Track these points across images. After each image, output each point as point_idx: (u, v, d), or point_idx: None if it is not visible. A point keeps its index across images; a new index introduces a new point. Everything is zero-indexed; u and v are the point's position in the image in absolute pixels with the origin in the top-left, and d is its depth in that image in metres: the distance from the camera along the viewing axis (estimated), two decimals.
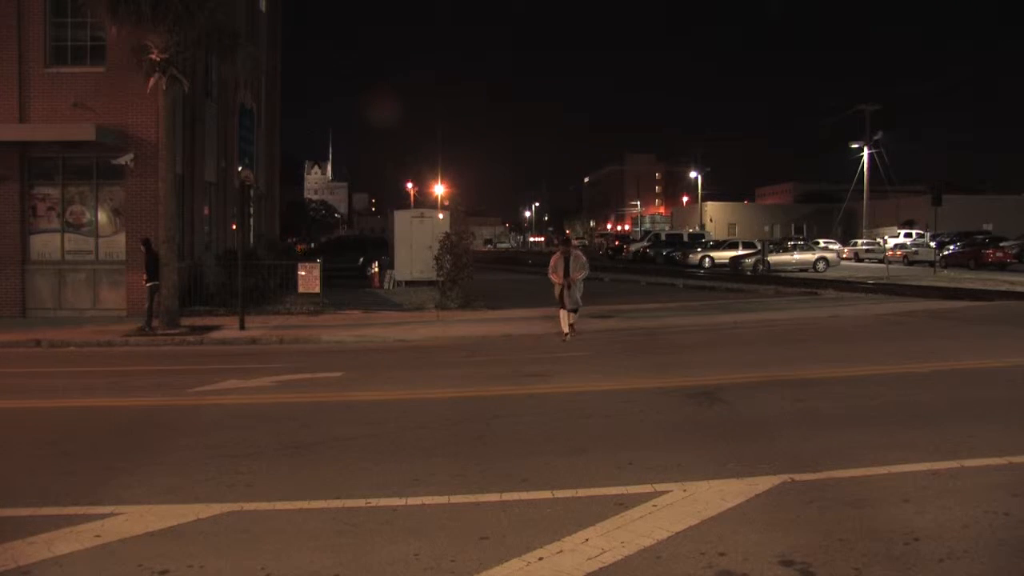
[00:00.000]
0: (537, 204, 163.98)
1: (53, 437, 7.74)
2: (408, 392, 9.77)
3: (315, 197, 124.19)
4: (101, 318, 17.76)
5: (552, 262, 14.50)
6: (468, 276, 20.71)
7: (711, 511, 5.19)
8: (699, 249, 44.65)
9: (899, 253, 43.79)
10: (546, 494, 5.64)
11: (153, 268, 16.04)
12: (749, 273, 36.01)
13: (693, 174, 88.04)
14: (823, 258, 38.67)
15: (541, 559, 4.50)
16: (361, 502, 5.54)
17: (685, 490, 5.64)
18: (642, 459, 6.45)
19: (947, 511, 5.15)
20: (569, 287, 14.30)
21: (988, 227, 53.94)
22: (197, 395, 9.70)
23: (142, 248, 16.19)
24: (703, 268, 40.47)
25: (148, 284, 15.99)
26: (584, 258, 14.78)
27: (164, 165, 16.04)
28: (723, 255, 41.39)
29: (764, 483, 5.75)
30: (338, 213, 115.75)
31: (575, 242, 13.97)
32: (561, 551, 4.60)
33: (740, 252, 40.89)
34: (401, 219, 27.88)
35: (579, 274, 14.44)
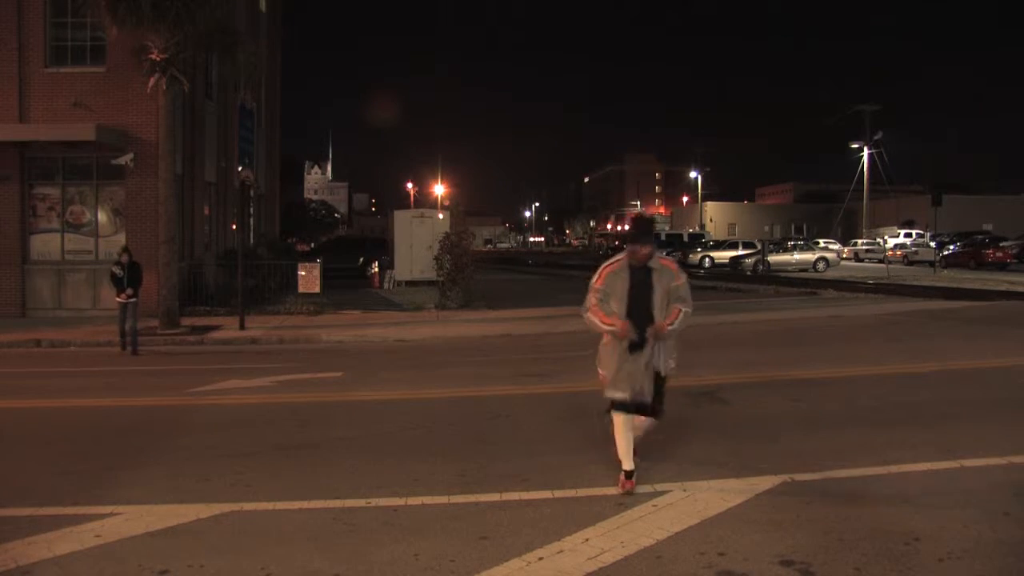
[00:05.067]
0: (537, 204, 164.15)
1: (53, 437, 7.75)
2: (408, 392, 9.77)
3: (315, 197, 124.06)
4: (101, 318, 17.74)
5: (596, 283, 5.95)
6: (468, 276, 20.71)
7: (711, 511, 5.19)
8: (699, 249, 44.63)
9: (899, 253, 43.81)
10: (546, 494, 5.64)
11: (135, 280, 13.74)
12: (749, 273, 36.03)
13: (693, 174, 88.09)
14: (823, 258, 38.69)
15: (541, 559, 4.50)
16: (361, 502, 5.54)
17: (685, 490, 5.64)
18: (642, 459, 6.44)
19: (947, 511, 5.15)
20: (640, 345, 5.77)
21: (988, 227, 53.94)
22: (197, 395, 9.70)
23: (123, 258, 13.75)
24: (703, 268, 40.45)
25: (129, 299, 13.57)
26: (683, 276, 6.09)
27: (164, 165, 16.05)
28: (723, 255, 41.40)
29: (764, 483, 5.75)
30: (338, 213, 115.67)
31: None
32: (561, 551, 4.60)
33: (740, 252, 40.90)
34: (401, 219, 27.90)
35: (676, 316, 5.86)
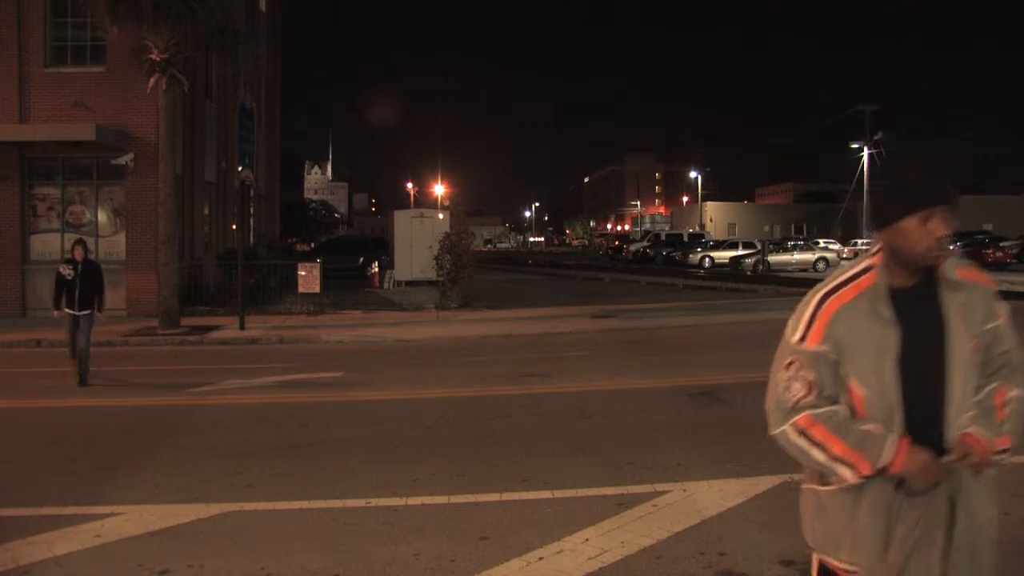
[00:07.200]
0: (537, 204, 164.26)
1: (53, 437, 7.75)
2: (408, 392, 9.77)
3: (315, 197, 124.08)
4: (100, 318, 17.73)
5: (804, 342, 2.23)
6: (468, 276, 20.72)
7: (711, 511, 5.19)
8: (699, 249, 44.65)
9: None
10: (546, 494, 5.64)
11: (92, 286, 10.28)
12: (749, 273, 36.01)
13: (693, 174, 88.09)
14: (823, 258, 38.71)
15: (541, 559, 4.50)
16: (361, 502, 5.54)
17: (685, 490, 5.63)
18: (642, 459, 6.45)
19: None
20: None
21: (988, 227, 53.92)
22: (197, 395, 9.70)
23: (76, 254, 10.33)
24: (703, 268, 40.46)
25: (81, 312, 10.23)
26: (1005, 305, 2.53)
27: (164, 165, 16.05)
28: (723, 255, 41.41)
29: (764, 483, 5.75)
30: (338, 213, 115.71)
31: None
32: (561, 551, 4.60)
33: (740, 252, 40.91)
34: (401, 219, 27.90)
35: (1005, 416, 2.31)
